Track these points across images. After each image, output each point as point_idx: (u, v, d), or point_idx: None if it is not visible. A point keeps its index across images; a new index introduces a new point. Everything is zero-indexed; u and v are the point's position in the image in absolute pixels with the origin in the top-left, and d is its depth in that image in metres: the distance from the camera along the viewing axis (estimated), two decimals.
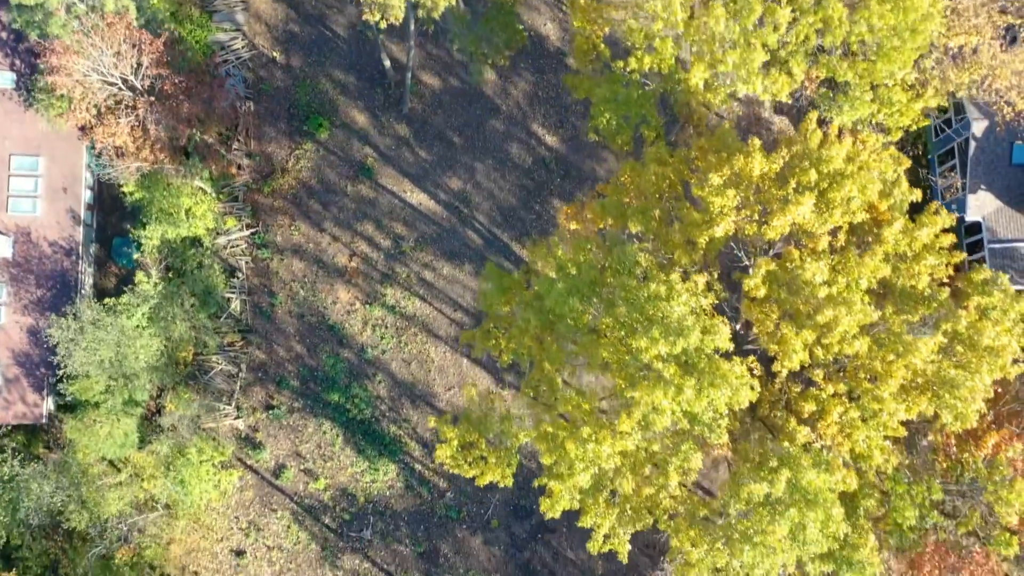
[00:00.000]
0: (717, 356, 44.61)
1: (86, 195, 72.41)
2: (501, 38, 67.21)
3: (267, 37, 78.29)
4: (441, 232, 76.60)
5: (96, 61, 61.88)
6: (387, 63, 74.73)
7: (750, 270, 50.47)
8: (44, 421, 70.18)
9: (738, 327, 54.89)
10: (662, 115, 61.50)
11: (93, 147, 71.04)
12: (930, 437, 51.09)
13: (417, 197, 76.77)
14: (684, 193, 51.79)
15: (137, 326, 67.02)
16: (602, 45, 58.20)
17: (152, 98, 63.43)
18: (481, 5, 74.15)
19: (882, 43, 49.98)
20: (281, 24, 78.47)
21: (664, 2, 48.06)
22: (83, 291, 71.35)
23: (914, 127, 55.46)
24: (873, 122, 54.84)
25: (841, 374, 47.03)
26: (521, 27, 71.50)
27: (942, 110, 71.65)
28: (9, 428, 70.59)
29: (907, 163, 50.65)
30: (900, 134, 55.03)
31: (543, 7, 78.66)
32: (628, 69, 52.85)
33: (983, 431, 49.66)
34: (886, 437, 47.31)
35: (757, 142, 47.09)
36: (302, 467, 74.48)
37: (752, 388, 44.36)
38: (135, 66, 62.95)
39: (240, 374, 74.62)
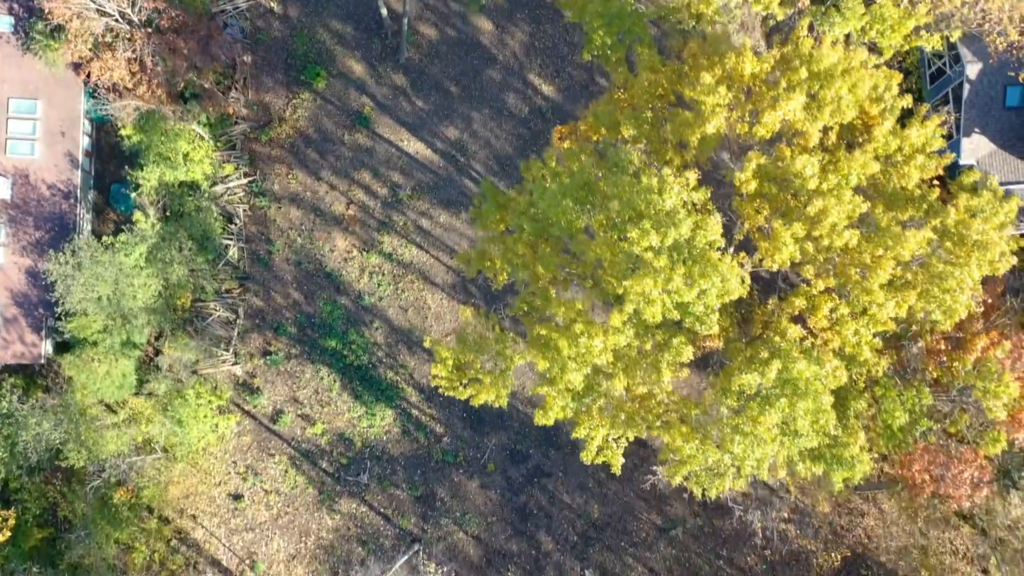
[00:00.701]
0: (708, 249, 44.70)
1: (84, 141, 72.79)
2: None
3: None
4: (438, 180, 76.95)
5: None
6: (384, 12, 75.18)
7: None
8: (42, 362, 70.39)
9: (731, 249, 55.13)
10: (655, 35, 61.44)
11: (92, 93, 71.53)
12: (920, 344, 51.14)
13: (414, 146, 77.16)
14: (677, 101, 52.00)
15: (135, 265, 67.22)
16: None
17: (149, 30, 63.85)
18: None
19: None
20: None
21: None
22: (81, 236, 71.62)
23: (905, 47, 55.75)
24: (866, 40, 55.12)
25: (831, 269, 47.10)
26: None
27: (937, 55, 72.12)
28: (8, 371, 70.75)
29: (898, 77, 50.89)
30: (891, 52, 55.29)
31: None
32: None
33: (973, 335, 49.77)
34: (876, 334, 47.40)
35: (748, 42, 47.43)
36: (299, 412, 74.64)
37: (743, 281, 44.50)
38: None
39: (238, 320, 74.87)
